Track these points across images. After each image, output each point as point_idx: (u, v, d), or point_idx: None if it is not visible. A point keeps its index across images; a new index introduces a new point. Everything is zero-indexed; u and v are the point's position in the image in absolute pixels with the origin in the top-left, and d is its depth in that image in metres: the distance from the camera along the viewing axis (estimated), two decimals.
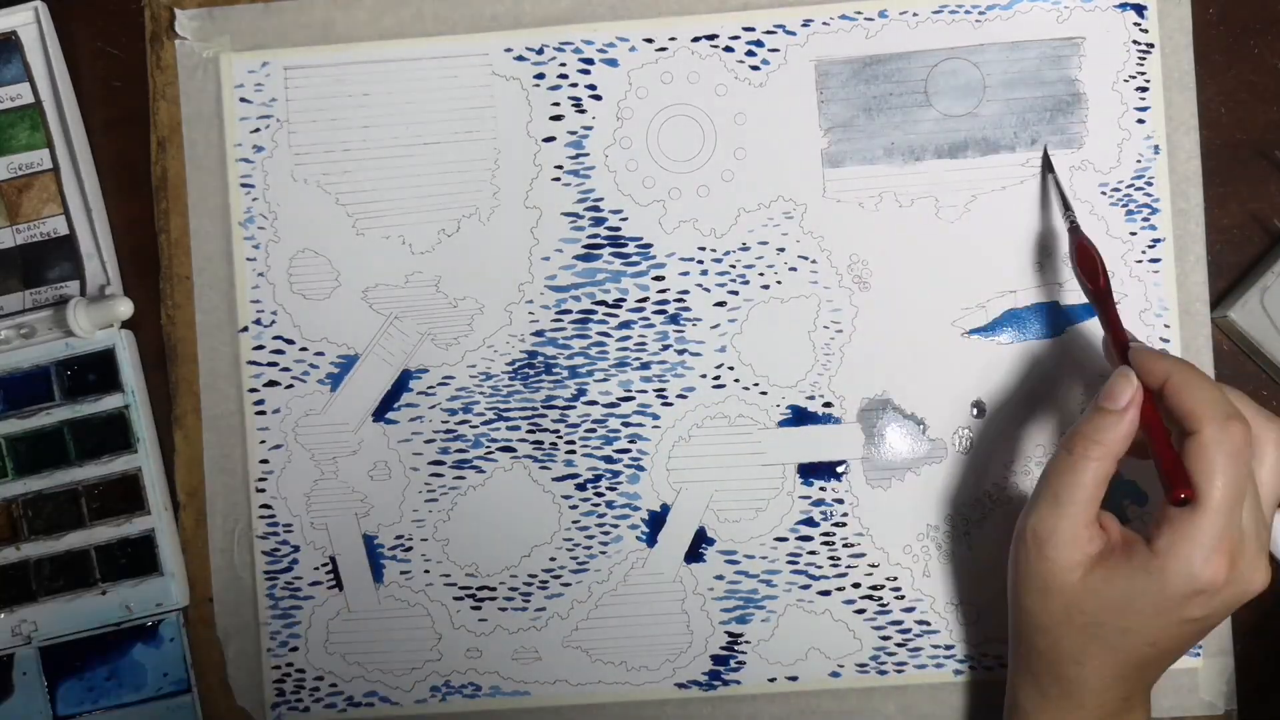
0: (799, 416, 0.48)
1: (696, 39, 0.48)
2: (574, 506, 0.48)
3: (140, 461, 0.48)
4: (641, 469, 0.48)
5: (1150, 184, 0.47)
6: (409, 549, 0.48)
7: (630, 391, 0.48)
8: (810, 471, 0.48)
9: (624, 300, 0.48)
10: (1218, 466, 0.36)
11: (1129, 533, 0.39)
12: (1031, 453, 0.47)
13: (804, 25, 0.48)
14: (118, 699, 0.48)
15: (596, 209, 0.48)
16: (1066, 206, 0.45)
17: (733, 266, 0.48)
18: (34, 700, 0.48)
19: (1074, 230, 0.44)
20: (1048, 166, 0.47)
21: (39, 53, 0.49)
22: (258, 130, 0.49)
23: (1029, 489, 0.47)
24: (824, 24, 0.47)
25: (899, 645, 0.48)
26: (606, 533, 0.48)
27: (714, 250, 0.48)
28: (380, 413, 0.48)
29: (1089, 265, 0.43)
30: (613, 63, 0.48)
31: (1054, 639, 0.39)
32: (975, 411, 0.47)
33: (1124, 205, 0.47)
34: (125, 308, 0.48)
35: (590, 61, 0.48)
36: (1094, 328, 0.47)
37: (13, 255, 0.49)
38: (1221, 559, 0.36)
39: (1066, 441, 0.39)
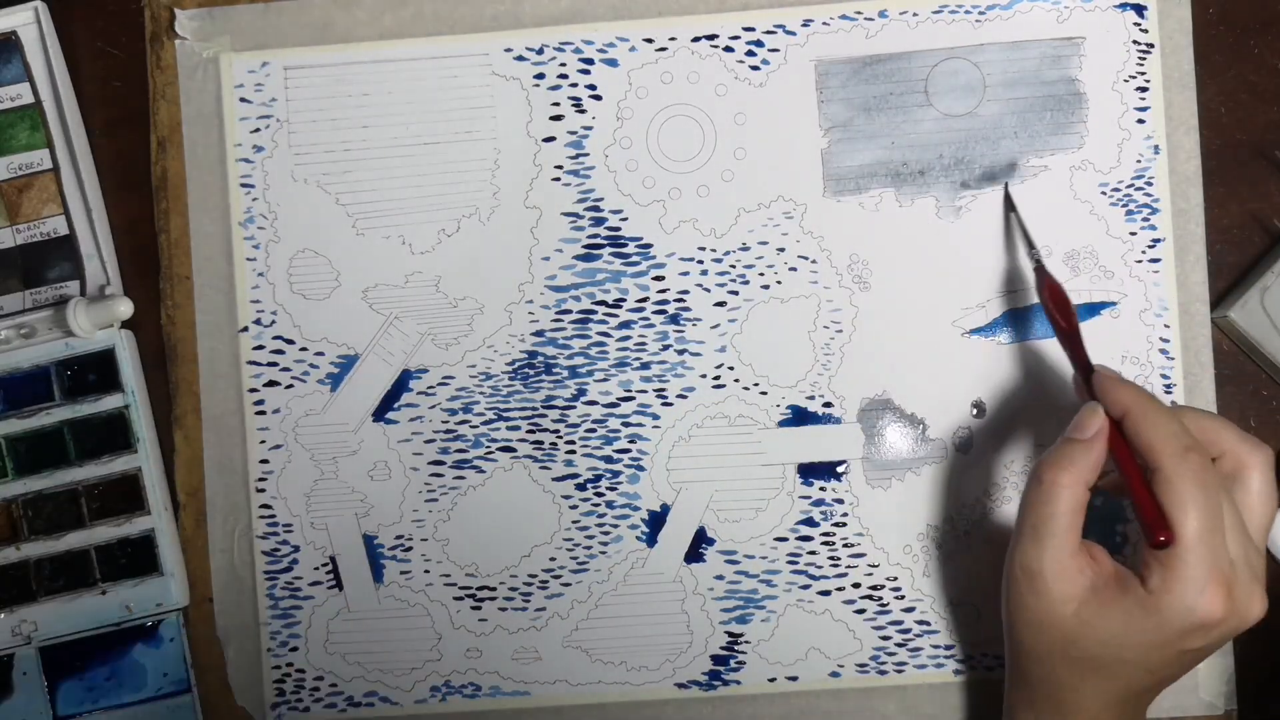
0: (799, 416, 0.48)
1: (696, 39, 0.48)
2: (574, 506, 0.48)
3: (140, 461, 0.48)
4: (641, 469, 0.48)
5: (1150, 184, 0.47)
6: (409, 549, 0.48)
7: (630, 391, 0.48)
8: (810, 471, 0.48)
9: (624, 300, 0.48)
10: (1187, 499, 0.36)
11: (1120, 567, 0.38)
12: (1031, 453, 0.47)
13: (804, 25, 0.48)
14: (118, 699, 0.48)
15: (596, 209, 0.48)
16: (1031, 245, 0.45)
17: (733, 266, 0.48)
18: (34, 700, 0.48)
19: (1040, 270, 0.44)
20: (1009, 206, 0.47)
21: (39, 53, 0.49)
22: (258, 130, 0.49)
23: None
24: (824, 24, 0.47)
25: (899, 645, 0.48)
26: (606, 533, 0.48)
27: (714, 250, 0.48)
28: (380, 413, 0.48)
29: (1062, 306, 0.43)
30: (613, 63, 0.48)
31: (1049, 669, 0.39)
32: (975, 411, 0.47)
33: (1124, 205, 0.47)
34: (125, 308, 0.48)
35: (590, 61, 0.48)
36: (1094, 328, 0.47)
37: (13, 255, 0.49)
38: (1217, 591, 0.36)
39: (1036, 471, 0.39)
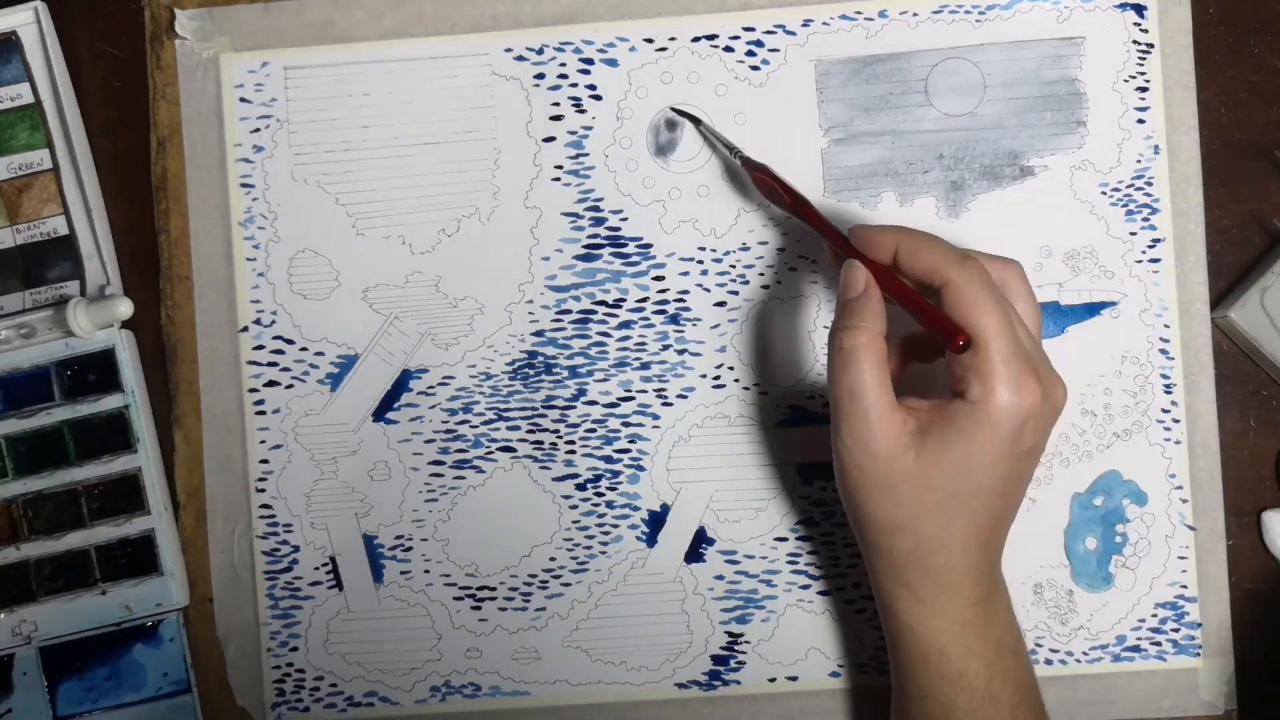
0: (799, 416, 0.48)
1: (696, 39, 0.48)
2: (574, 506, 0.48)
3: (140, 461, 0.48)
4: (641, 469, 0.48)
5: (1150, 184, 0.47)
6: (409, 549, 0.48)
7: (630, 391, 0.48)
8: (810, 471, 0.48)
9: (624, 300, 0.48)
10: (980, 300, 0.37)
11: (935, 401, 0.39)
12: None
13: (804, 25, 0.48)
14: (118, 699, 0.48)
15: (596, 209, 0.48)
16: (730, 147, 0.46)
17: (733, 266, 0.48)
18: (34, 700, 0.48)
19: (746, 163, 0.45)
20: (694, 121, 0.47)
21: (39, 53, 0.49)
22: (258, 130, 0.49)
23: (1029, 489, 0.47)
24: (824, 24, 0.47)
25: None
26: (606, 533, 0.48)
27: (714, 250, 0.48)
28: (380, 413, 0.48)
29: (769, 187, 0.44)
30: (613, 63, 0.48)
31: (914, 531, 0.39)
32: None
33: (1124, 205, 0.47)
34: (125, 308, 0.48)
35: (590, 61, 0.48)
36: (1094, 328, 0.47)
37: (13, 255, 0.49)
38: (1030, 380, 0.37)
39: (831, 343, 0.39)
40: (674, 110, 0.47)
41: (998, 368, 0.36)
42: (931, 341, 0.41)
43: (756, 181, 0.45)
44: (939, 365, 0.40)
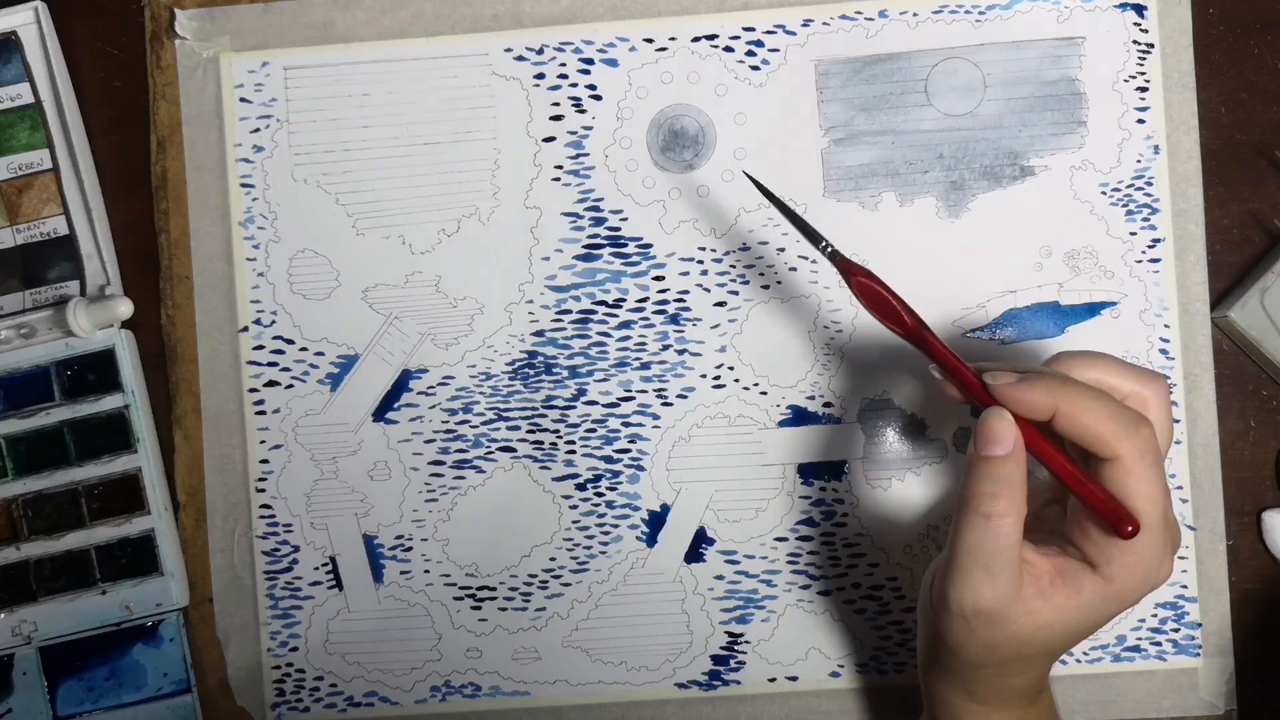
0: (799, 416, 0.48)
1: (696, 39, 0.48)
2: (574, 506, 0.48)
3: (140, 461, 0.48)
4: (641, 469, 0.48)
5: (1150, 184, 0.47)
6: (409, 549, 0.48)
7: (630, 391, 0.48)
8: (810, 471, 0.48)
9: (624, 300, 0.48)
10: (1152, 483, 0.34)
11: (1054, 558, 0.36)
12: None
13: (804, 25, 0.48)
14: (118, 699, 0.48)
15: (596, 209, 0.48)
16: (817, 238, 0.39)
17: (733, 266, 0.48)
18: (34, 700, 0.48)
19: (835, 257, 0.38)
20: (767, 195, 0.40)
21: (39, 53, 0.49)
22: (258, 130, 0.49)
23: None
24: (824, 24, 0.47)
25: (899, 645, 0.48)
26: (606, 533, 0.48)
27: (714, 250, 0.48)
28: (380, 413, 0.48)
29: (884, 307, 0.37)
30: (613, 63, 0.48)
31: (998, 667, 0.37)
32: (975, 411, 0.47)
33: (1124, 205, 0.47)
34: (125, 308, 0.48)
35: (590, 61, 0.48)
36: (1094, 328, 0.47)
37: (13, 255, 0.49)
38: (1170, 560, 0.35)
39: (973, 504, 0.35)
40: (762, 190, 0.41)
41: (1148, 553, 0.34)
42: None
43: (859, 291, 0.38)
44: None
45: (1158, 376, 0.36)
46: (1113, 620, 0.38)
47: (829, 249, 0.39)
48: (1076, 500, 0.35)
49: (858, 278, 0.38)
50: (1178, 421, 0.47)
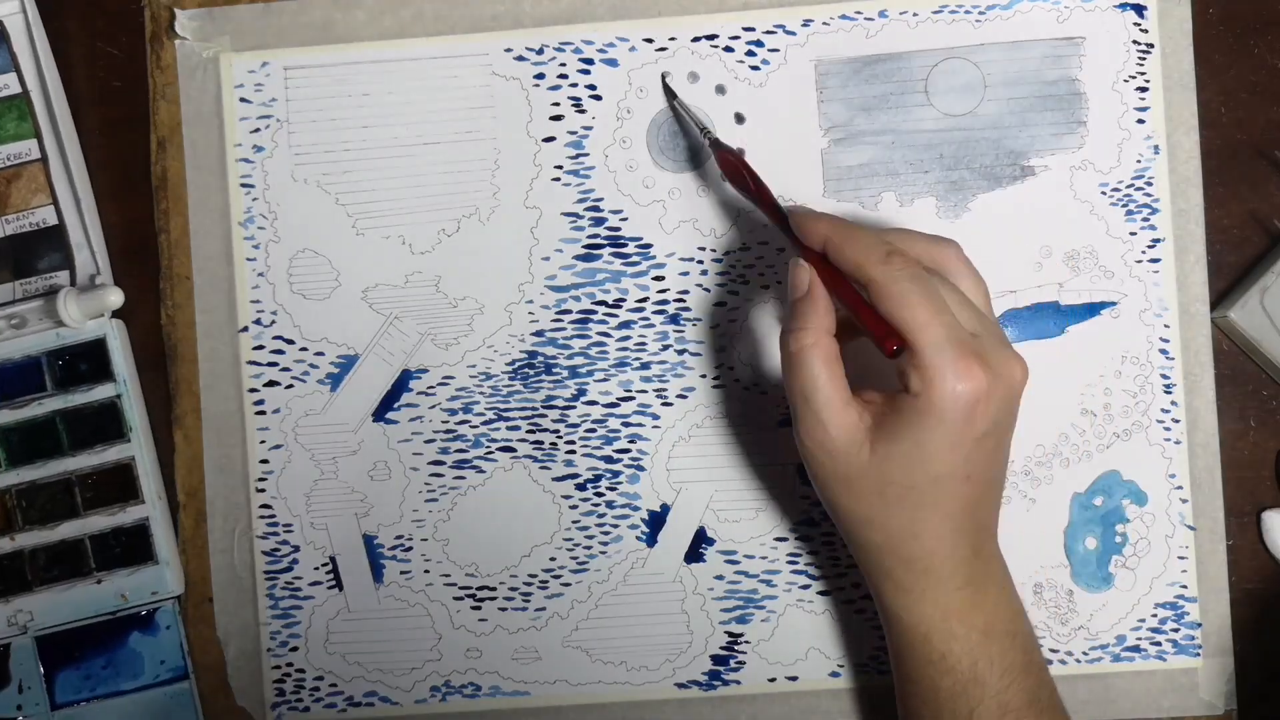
0: None
1: (696, 39, 0.48)
2: (574, 506, 0.48)
3: (133, 451, 0.48)
4: (641, 469, 0.48)
5: (1150, 184, 0.47)
6: (409, 549, 0.48)
7: (630, 391, 0.48)
8: None
9: (624, 300, 0.48)
10: (903, 294, 0.37)
11: (888, 393, 0.39)
12: (1031, 452, 0.47)
13: (804, 25, 0.48)
14: (115, 687, 0.48)
15: (596, 209, 0.48)
16: (701, 127, 0.46)
17: (733, 266, 0.48)
18: (31, 689, 0.48)
19: (715, 144, 0.45)
20: (670, 94, 0.47)
21: (25, 42, 0.49)
22: (258, 130, 0.49)
23: (1029, 488, 0.47)
24: (824, 24, 0.47)
25: None
26: (606, 533, 0.48)
27: (714, 250, 0.48)
28: (380, 413, 0.48)
29: (735, 173, 0.44)
30: (613, 63, 0.48)
31: (882, 525, 0.39)
32: None
33: (1124, 205, 0.47)
34: (115, 297, 0.48)
35: (590, 61, 0.48)
36: (1094, 328, 0.47)
37: (2, 245, 0.49)
38: (970, 363, 0.36)
39: (782, 345, 0.40)
40: (664, 80, 0.47)
41: (930, 359, 0.36)
42: None
43: (721, 163, 0.45)
44: None
45: (950, 240, 0.41)
46: (978, 466, 0.38)
47: (710, 137, 0.45)
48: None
49: (724, 154, 0.44)
50: (1178, 422, 0.47)
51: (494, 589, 0.48)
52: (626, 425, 0.48)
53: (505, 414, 0.48)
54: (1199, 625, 0.47)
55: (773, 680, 0.48)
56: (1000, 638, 0.40)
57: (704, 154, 0.48)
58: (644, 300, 0.48)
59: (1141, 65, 0.47)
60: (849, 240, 0.39)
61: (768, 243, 0.48)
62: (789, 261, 0.40)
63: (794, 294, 0.40)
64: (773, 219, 0.43)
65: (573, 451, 0.48)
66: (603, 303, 0.48)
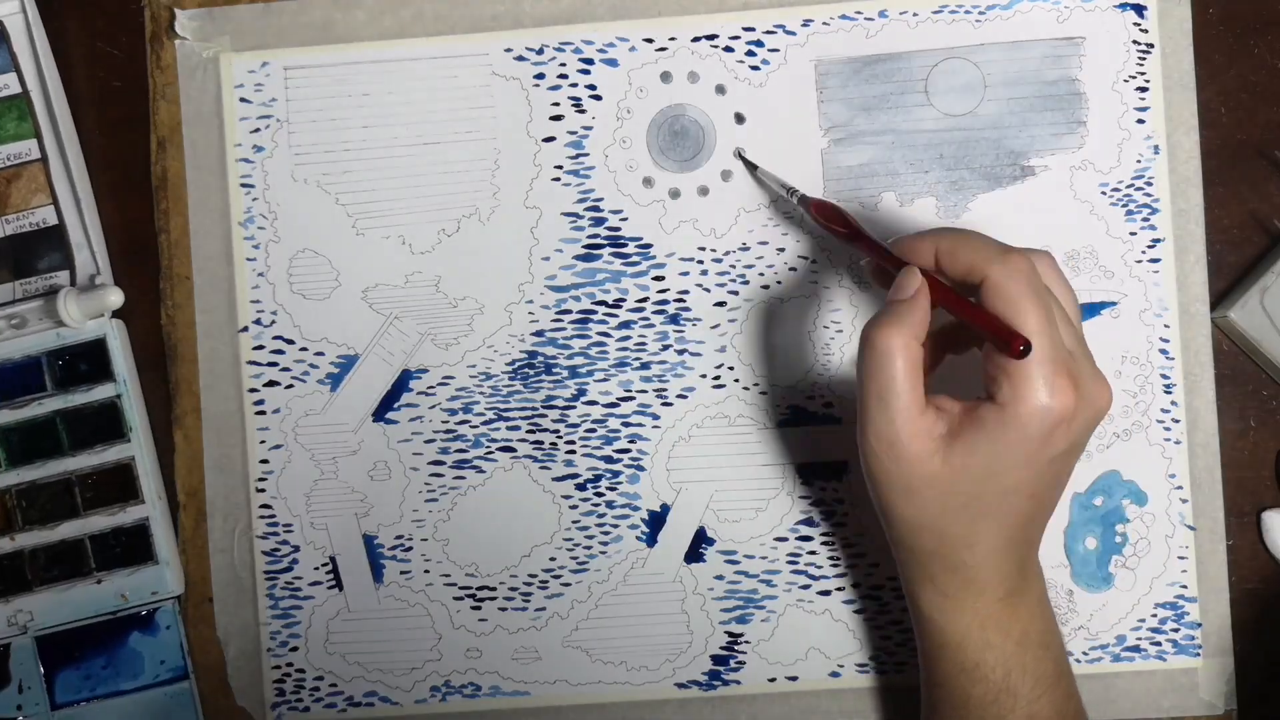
0: (799, 417, 0.48)
1: (696, 39, 0.48)
2: (574, 506, 0.48)
3: (133, 451, 0.48)
4: (641, 469, 0.48)
5: (1150, 184, 0.47)
6: (409, 549, 0.48)
7: (630, 391, 0.48)
8: (810, 471, 0.48)
9: (624, 300, 0.48)
10: (1019, 297, 0.36)
11: (966, 402, 0.38)
12: None
13: (804, 25, 0.48)
14: (115, 687, 0.48)
15: (596, 209, 0.48)
16: (789, 189, 0.46)
17: (733, 266, 0.48)
18: (31, 689, 0.48)
19: (804, 200, 0.45)
20: (750, 167, 0.47)
21: (25, 42, 0.49)
22: (258, 130, 0.49)
23: None
24: (824, 24, 0.47)
25: (899, 645, 0.48)
26: (606, 533, 0.48)
27: (714, 250, 0.48)
28: (380, 413, 0.48)
29: (834, 214, 0.43)
30: (613, 63, 0.48)
31: (939, 531, 0.39)
32: None
33: (1124, 205, 0.47)
34: (116, 297, 0.48)
35: (590, 61, 0.48)
36: (1094, 328, 0.47)
37: (2, 245, 0.49)
38: (1065, 382, 0.36)
39: (867, 337, 0.38)
40: (739, 156, 0.47)
41: (1030, 370, 0.35)
42: (964, 332, 0.41)
43: (815, 210, 0.44)
44: (977, 362, 0.39)
45: (1044, 251, 0.39)
46: (1045, 485, 0.38)
47: (796, 194, 0.45)
48: (978, 339, 0.38)
49: (816, 210, 0.44)
50: (1178, 422, 0.47)
51: (494, 589, 0.48)
52: (626, 425, 0.48)
53: (505, 414, 0.48)
54: (1199, 625, 0.47)
55: (773, 680, 0.48)
56: (1034, 648, 0.40)
57: (704, 156, 0.48)
58: (644, 300, 0.48)
59: (1141, 65, 0.47)
60: (962, 242, 0.38)
61: (767, 243, 0.48)
62: (901, 270, 0.39)
63: (898, 295, 0.38)
64: (875, 255, 0.41)
65: (573, 451, 0.48)
66: (603, 303, 0.48)
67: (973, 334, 0.37)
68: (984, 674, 0.39)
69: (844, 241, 0.43)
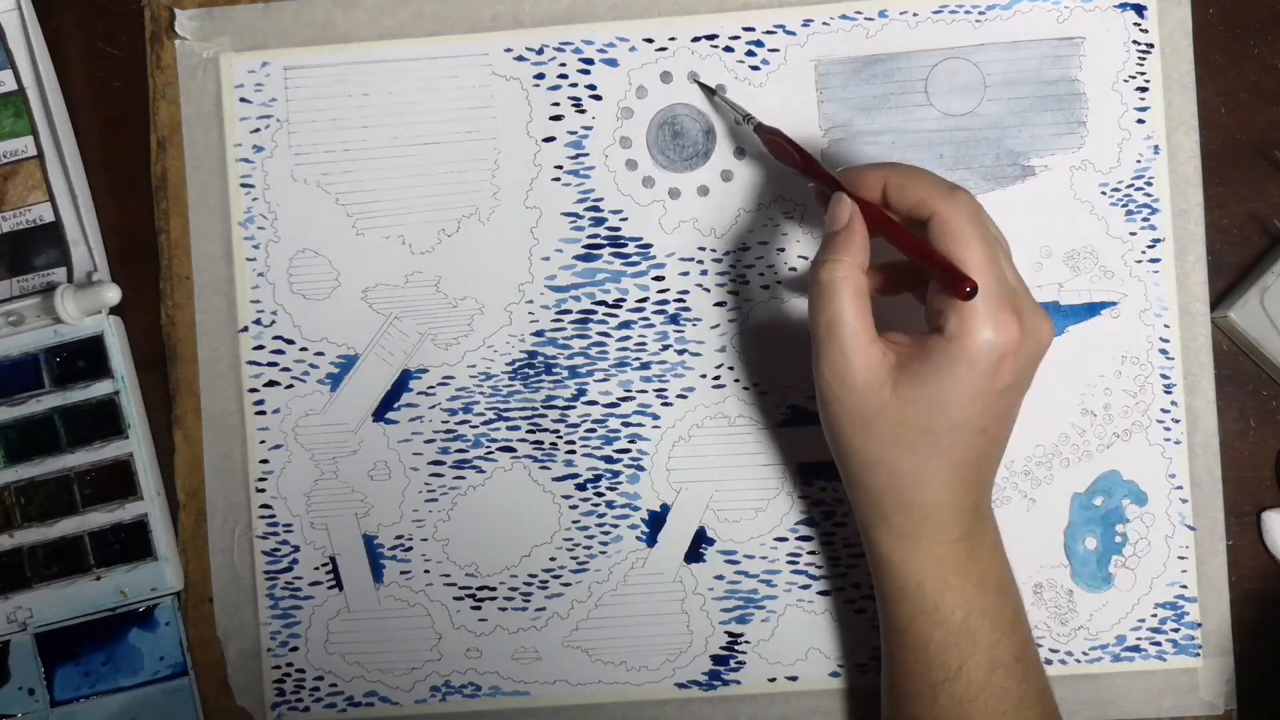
0: (799, 417, 0.48)
1: (696, 39, 0.48)
2: (574, 506, 0.48)
3: (132, 447, 0.48)
4: (641, 469, 0.48)
5: (1150, 184, 0.47)
6: (409, 549, 0.48)
7: (630, 391, 0.48)
8: (810, 472, 0.48)
9: (624, 300, 0.48)
10: (965, 233, 0.37)
11: (915, 335, 0.38)
12: (1032, 452, 0.47)
13: (804, 25, 0.48)
14: (114, 683, 0.49)
15: (596, 209, 0.48)
16: (745, 116, 0.46)
17: (733, 266, 0.48)
18: (31, 686, 0.48)
19: (759, 128, 0.45)
20: (708, 91, 0.47)
21: (21, 39, 0.49)
22: (258, 130, 0.48)
23: (1029, 488, 0.47)
24: (824, 24, 0.47)
25: None
26: (606, 533, 0.48)
27: (714, 250, 0.48)
28: (380, 413, 0.48)
29: (779, 148, 0.44)
30: (613, 63, 0.48)
31: (890, 467, 0.39)
32: None
33: (1124, 205, 0.47)
34: (113, 294, 0.48)
35: (590, 61, 0.48)
36: (1094, 328, 0.47)
37: None
38: (1008, 316, 0.36)
39: (811, 275, 0.39)
40: (694, 81, 0.47)
41: (975, 304, 0.36)
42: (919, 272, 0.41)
43: (767, 142, 0.45)
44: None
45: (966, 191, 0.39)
46: (994, 419, 0.38)
47: (753, 122, 0.45)
48: (928, 276, 0.38)
49: (769, 136, 0.45)
50: (1178, 422, 0.47)
51: (494, 589, 0.48)
52: (626, 425, 0.48)
53: (505, 414, 0.48)
54: (1199, 625, 0.47)
55: (773, 680, 0.48)
56: (993, 593, 0.40)
57: (704, 156, 0.48)
58: (644, 300, 0.48)
59: (1141, 65, 0.47)
60: (910, 177, 0.38)
61: (767, 243, 0.48)
62: (831, 198, 0.40)
63: (833, 226, 0.39)
64: (826, 184, 0.42)
65: (573, 451, 0.48)
66: (603, 303, 0.48)
67: (920, 271, 0.38)
68: (944, 616, 0.40)
69: (798, 172, 0.44)
